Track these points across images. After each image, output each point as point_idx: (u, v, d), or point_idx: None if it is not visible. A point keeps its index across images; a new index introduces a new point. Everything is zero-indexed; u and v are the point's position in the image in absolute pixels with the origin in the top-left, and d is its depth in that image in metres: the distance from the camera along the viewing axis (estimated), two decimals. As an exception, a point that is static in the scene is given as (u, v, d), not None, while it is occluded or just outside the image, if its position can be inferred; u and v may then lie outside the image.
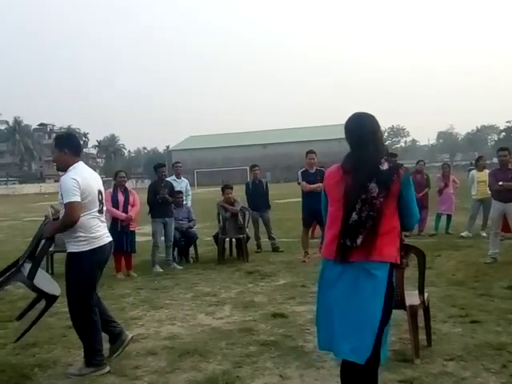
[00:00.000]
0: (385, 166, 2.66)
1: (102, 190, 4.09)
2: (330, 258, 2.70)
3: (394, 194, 2.63)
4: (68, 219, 3.76)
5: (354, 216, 2.60)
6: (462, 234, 10.07)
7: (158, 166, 8.35)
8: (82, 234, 3.82)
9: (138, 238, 8.34)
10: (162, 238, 8.17)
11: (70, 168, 3.88)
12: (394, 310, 2.85)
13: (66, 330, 4.92)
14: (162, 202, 7.90)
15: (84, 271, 3.85)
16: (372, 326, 2.57)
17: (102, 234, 3.95)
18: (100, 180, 4.16)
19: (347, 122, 2.88)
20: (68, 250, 3.94)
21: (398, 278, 3.75)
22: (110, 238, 4.08)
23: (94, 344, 3.88)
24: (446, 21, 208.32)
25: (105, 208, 4.11)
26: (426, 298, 4.01)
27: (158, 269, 7.83)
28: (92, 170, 4.20)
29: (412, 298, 3.93)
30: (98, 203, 3.92)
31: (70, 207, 3.71)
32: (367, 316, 2.58)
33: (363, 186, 2.61)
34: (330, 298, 2.69)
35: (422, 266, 3.90)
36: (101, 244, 3.91)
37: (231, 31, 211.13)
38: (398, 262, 2.69)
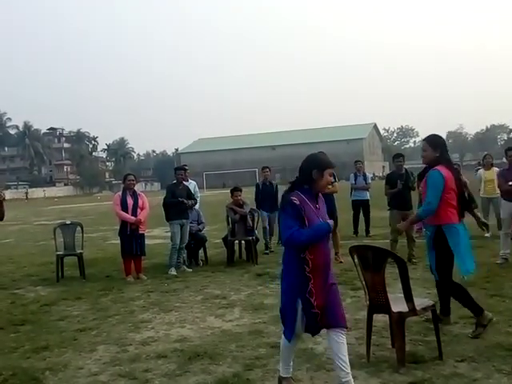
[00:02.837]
0: None
1: None
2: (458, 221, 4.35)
3: None
4: None
5: (466, 196, 4.57)
6: (485, 235, 10.00)
7: (178, 169, 8.40)
8: None
9: (147, 241, 8.38)
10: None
11: None
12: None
13: (76, 334, 4.96)
14: (180, 205, 7.94)
15: None
16: None
17: None
18: None
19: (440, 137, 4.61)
20: None
21: (379, 282, 3.71)
22: None
23: None
24: (455, 22, 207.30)
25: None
26: (418, 305, 3.83)
27: (173, 272, 7.83)
28: None
29: (400, 304, 3.77)
30: None
31: None
32: None
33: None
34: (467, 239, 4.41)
35: (403, 274, 3.73)
36: None
37: (237, 33, 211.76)
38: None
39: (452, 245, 4.31)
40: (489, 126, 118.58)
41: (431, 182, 4.34)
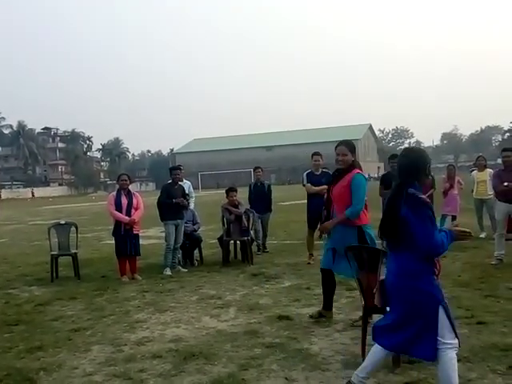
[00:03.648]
0: None
1: None
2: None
3: None
4: None
5: None
6: (480, 235, 10.05)
7: (174, 169, 8.38)
8: None
9: (142, 241, 8.35)
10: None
11: None
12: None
13: (71, 334, 4.94)
14: (175, 205, 7.93)
15: None
16: None
17: None
18: None
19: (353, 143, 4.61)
20: None
21: (375, 282, 3.72)
22: None
23: None
24: (448, 22, 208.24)
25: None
26: None
27: (168, 272, 7.82)
28: None
29: None
30: None
31: None
32: None
33: None
34: None
35: None
36: None
37: (237, 33, 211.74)
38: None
39: (371, 243, 4.61)
40: (483, 128, 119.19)
41: (359, 185, 4.63)
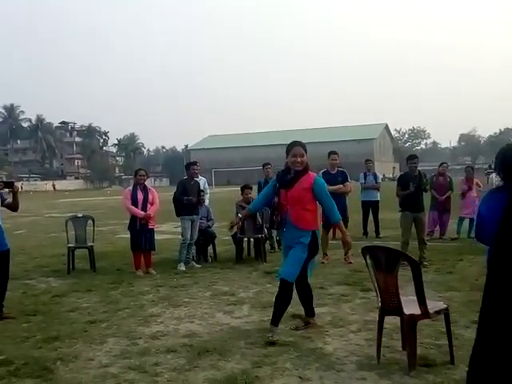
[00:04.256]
0: None
1: None
2: None
3: None
4: None
5: None
6: None
7: (191, 164, 8.42)
8: None
9: (157, 236, 8.39)
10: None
11: None
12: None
13: (87, 325, 5.00)
14: (189, 201, 7.97)
15: None
16: None
17: None
18: None
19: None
20: None
21: (392, 283, 3.68)
22: None
23: None
24: (468, 21, 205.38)
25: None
26: (431, 308, 3.75)
27: (182, 267, 7.87)
28: None
29: (412, 306, 3.72)
30: None
31: None
32: None
33: None
34: None
35: (416, 276, 3.64)
36: None
37: (246, 27, 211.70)
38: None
39: (317, 247, 4.63)
40: (502, 129, 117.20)
41: (324, 187, 4.55)
